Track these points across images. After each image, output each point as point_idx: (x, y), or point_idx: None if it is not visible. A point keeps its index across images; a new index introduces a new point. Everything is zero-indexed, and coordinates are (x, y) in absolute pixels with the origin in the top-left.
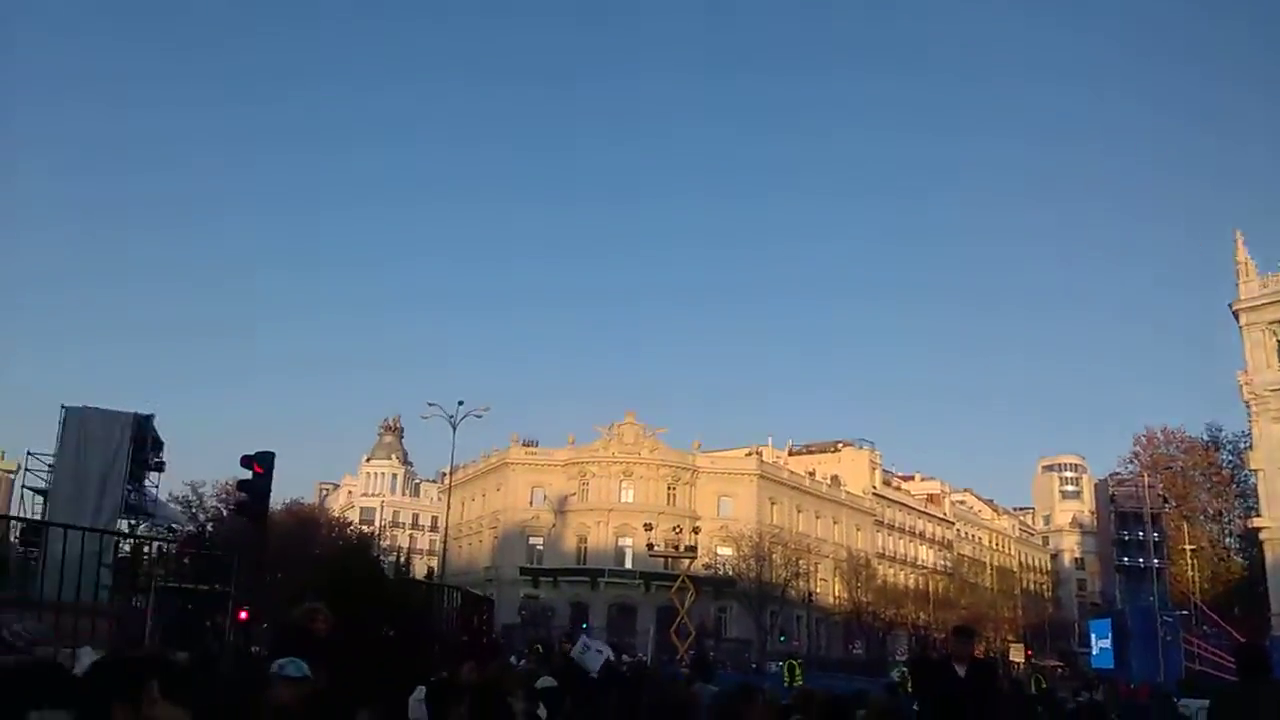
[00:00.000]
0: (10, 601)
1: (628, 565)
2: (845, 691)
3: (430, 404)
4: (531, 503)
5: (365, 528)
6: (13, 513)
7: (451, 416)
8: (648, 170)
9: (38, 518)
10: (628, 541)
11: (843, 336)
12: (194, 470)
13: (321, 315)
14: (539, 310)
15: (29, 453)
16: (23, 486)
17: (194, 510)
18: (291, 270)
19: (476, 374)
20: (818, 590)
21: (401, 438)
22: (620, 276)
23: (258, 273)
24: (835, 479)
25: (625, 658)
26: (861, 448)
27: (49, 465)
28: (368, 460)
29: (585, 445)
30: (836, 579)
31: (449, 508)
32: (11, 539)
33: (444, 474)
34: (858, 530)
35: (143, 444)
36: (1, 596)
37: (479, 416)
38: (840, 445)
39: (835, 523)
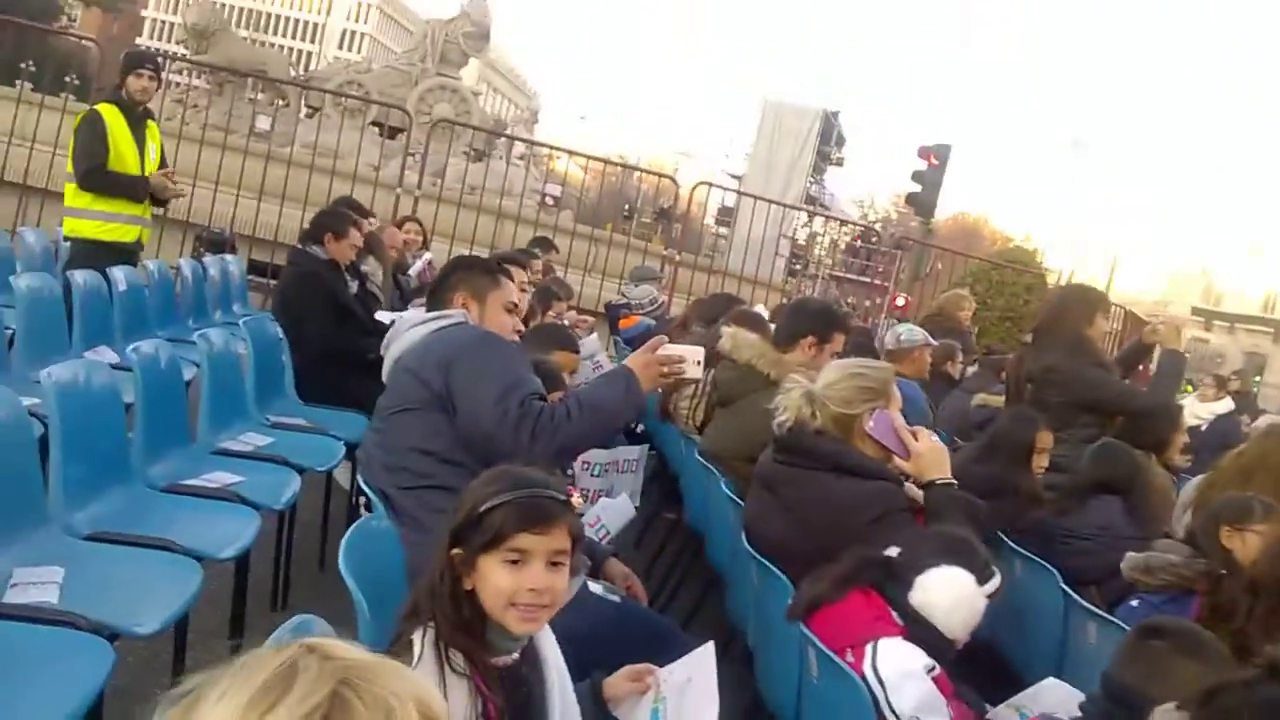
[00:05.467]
0: (705, 269)
1: None
2: None
3: None
4: None
5: (1025, 244)
6: (713, 201)
7: None
8: None
9: (730, 205)
10: None
11: None
12: (869, 174)
13: None
14: None
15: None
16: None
17: (865, 210)
18: None
19: None
20: None
21: None
22: None
23: None
24: None
25: None
26: None
27: (746, 154)
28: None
29: None
30: None
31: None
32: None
33: None
34: None
35: (828, 138)
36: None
37: None
38: None
39: None
